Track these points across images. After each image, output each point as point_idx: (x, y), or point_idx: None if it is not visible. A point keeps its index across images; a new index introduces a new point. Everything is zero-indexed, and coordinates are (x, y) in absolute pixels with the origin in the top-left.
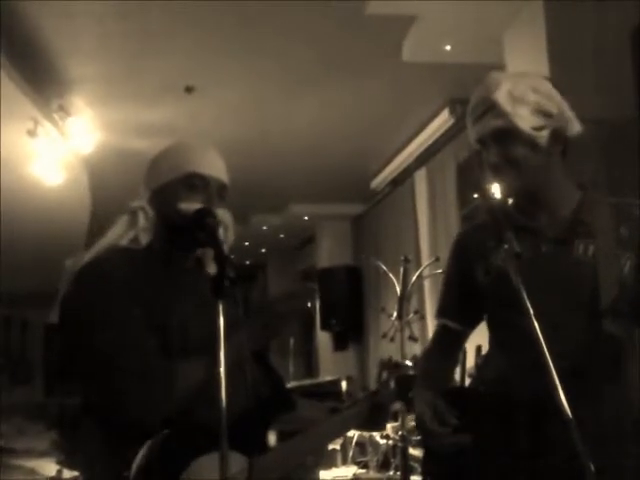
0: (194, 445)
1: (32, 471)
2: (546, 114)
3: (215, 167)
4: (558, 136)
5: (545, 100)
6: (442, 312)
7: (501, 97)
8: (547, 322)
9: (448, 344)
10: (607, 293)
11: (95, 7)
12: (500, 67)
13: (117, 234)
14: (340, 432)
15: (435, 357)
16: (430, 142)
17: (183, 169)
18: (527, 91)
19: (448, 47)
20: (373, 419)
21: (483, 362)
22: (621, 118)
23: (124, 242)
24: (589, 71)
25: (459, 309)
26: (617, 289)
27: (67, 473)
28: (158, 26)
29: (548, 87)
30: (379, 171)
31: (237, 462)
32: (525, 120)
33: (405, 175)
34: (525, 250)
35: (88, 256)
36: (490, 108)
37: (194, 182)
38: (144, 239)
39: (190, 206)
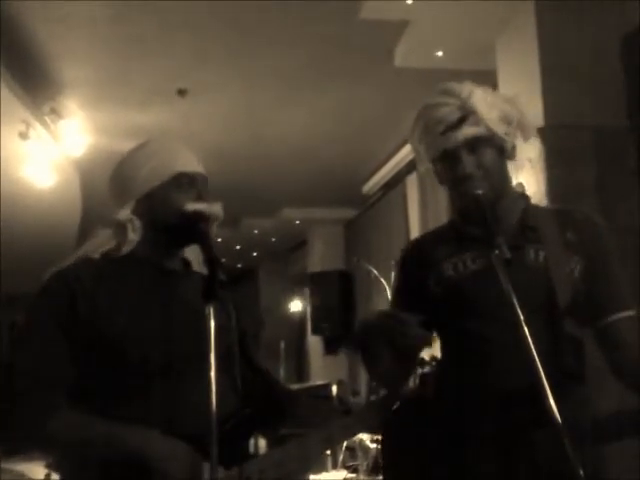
0: None
1: (20, 474)
2: (509, 121)
3: (196, 162)
4: (514, 143)
5: (509, 107)
6: None
7: (480, 104)
8: (507, 327)
9: None
10: (565, 296)
11: (88, 10)
12: (492, 73)
13: (96, 246)
14: (345, 436)
15: None
16: None
17: (169, 171)
18: (496, 98)
19: (440, 53)
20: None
21: (440, 374)
22: (612, 125)
23: (100, 252)
24: (580, 78)
25: None
26: (572, 291)
27: (55, 477)
28: (151, 29)
29: (508, 95)
30: (371, 176)
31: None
32: (499, 127)
33: (397, 180)
34: (480, 260)
35: (58, 267)
36: (467, 115)
37: (183, 182)
38: (126, 249)
39: (193, 205)
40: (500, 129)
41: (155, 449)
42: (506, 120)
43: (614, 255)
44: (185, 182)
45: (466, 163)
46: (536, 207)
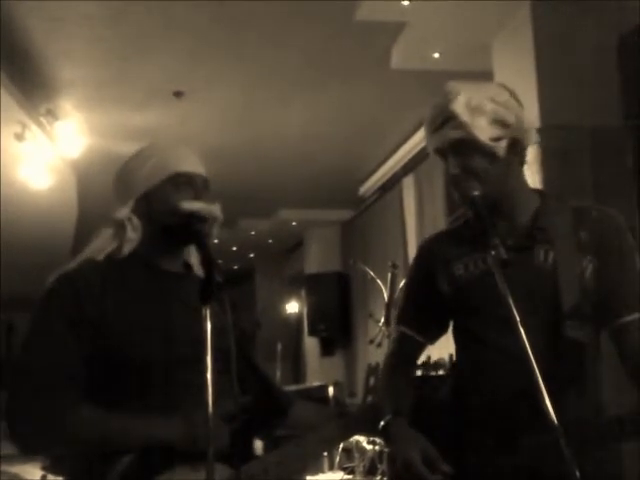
0: (173, 455)
1: (16, 476)
2: (504, 124)
3: (195, 163)
4: (516, 146)
5: (503, 110)
6: (403, 319)
7: (459, 108)
8: (512, 329)
9: (409, 355)
10: (569, 298)
11: (85, 11)
12: (488, 74)
13: (100, 247)
14: (342, 437)
15: (399, 373)
16: (418, 149)
17: (167, 170)
18: (484, 101)
19: (436, 54)
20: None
21: (453, 373)
22: (608, 125)
23: (104, 254)
24: (577, 78)
25: (419, 319)
26: (579, 294)
27: (52, 478)
28: (147, 30)
29: (506, 97)
30: (367, 177)
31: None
32: (483, 131)
33: (393, 181)
34: (488, 259)
35: (63, 269)
36: (448, 119)
37: (181, 181)
38: (127, 248)
39: (189, 204)
40: (485, 134)
41: (190, 428)
42: (500, 124)
43: (631, 255)
44: (183, 182)
45: (450, 164)
46: (553, 205)
